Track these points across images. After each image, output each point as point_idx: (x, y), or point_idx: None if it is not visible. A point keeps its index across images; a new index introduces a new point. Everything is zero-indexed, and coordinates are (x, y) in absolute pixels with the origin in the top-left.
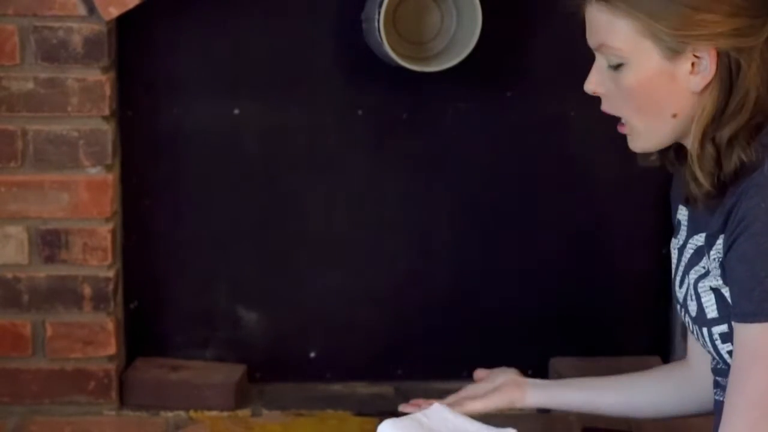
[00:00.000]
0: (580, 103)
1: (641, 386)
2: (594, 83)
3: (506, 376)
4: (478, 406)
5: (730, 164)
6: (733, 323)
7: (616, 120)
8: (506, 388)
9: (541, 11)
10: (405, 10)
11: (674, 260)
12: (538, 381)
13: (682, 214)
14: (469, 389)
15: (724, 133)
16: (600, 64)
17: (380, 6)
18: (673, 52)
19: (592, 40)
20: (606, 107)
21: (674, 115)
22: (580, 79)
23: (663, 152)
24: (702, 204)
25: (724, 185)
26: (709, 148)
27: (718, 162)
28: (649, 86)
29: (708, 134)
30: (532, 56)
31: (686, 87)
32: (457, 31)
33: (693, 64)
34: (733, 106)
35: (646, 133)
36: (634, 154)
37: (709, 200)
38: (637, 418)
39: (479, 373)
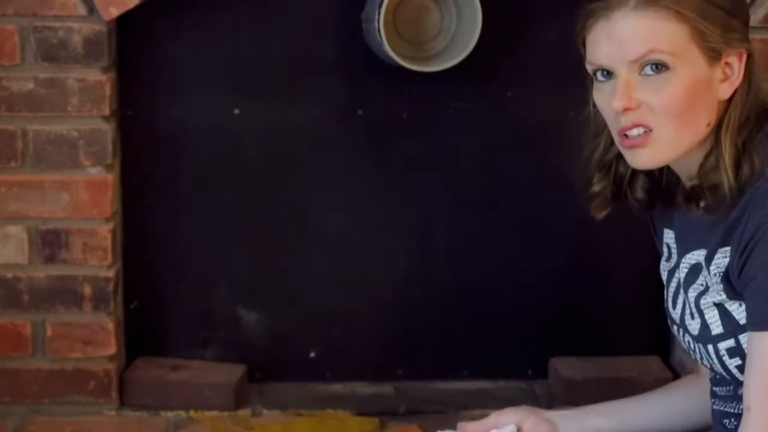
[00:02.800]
0: (579, 103)
1: (671, 402)
2: (627, 98)
3: (526, 415)
4: None
5: (745, 169)
6: (750, 332)
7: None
8: (537, 428)
9: (541, 11)
10: (405, 10)
11: (665, 283)
12: (562, 413)
13: (669, 237)
14: None
15: (742, 139)
16: (627, 79)
17: (380, 6)
18: (713, 59)
19: (630, 51)
20: (635, 119)
21: (708, 124)
22: (580, 79)
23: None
24: (712, 215)
25: (737, 191)
26: (736, 154)
27: (740, 167)
28: (693, 93)
29: (738, 141)
30: (532, 56)
31: (717, 95)
32: (457, 31)
33: (723, 72)
34: (753, 111)
35: (674, 144)
36: None
37: (721, 210)
38: None
39: (473, 426)
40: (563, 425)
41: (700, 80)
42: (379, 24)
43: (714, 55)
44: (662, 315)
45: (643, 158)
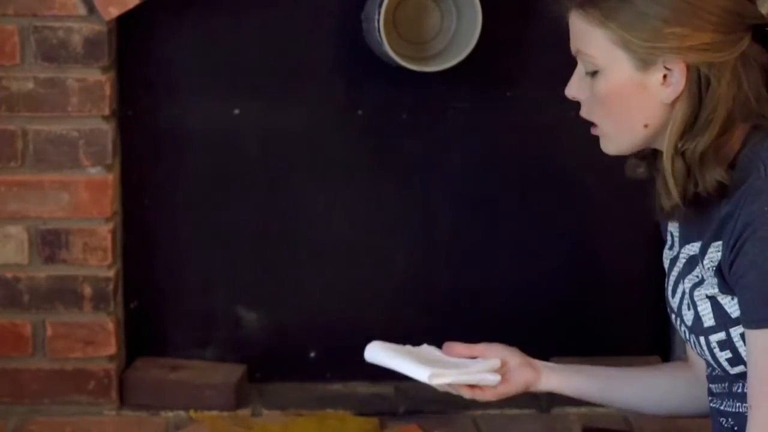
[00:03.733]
0: (579, 103)
1: (654, 381)
2: (573, 88)
3: (512, 355)
4: (489, 396)
5: (706, 183)
6: (746, 330)
7: (590, 123)
8: (521, 371)
9: (541, 11)
10: (405, 10)
11: (667, 271)
12: (549, 364)
13: (673, 225)
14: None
15: (696, 148)
16: (580, 70)
17: (380, 6)
18: (645, 63)
19: (572, 46)
20: (583, 112)
21: (646, 125)
22: None
23: (649, 161)
24: (670, 216)
25: (698, 199)
26: (679, 163)
27: (690, 176)
28: (621, 95)
29: (678, 148)
30: (532, 56)
31: (658, 98)
32: (457, 31)
33: (665, 76)
34: (701, 121)
35: (617, 139)
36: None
37: (679, 213)
38: (642, 413)
39: (460, 348)
40: (546, 375)
41: (630, 83)
42: (379, 24)
43: (641, 63)
44: (662, 315)
45: (602, 146)
